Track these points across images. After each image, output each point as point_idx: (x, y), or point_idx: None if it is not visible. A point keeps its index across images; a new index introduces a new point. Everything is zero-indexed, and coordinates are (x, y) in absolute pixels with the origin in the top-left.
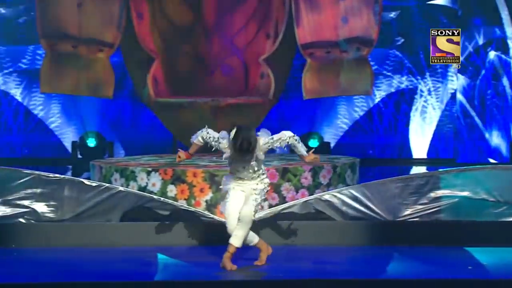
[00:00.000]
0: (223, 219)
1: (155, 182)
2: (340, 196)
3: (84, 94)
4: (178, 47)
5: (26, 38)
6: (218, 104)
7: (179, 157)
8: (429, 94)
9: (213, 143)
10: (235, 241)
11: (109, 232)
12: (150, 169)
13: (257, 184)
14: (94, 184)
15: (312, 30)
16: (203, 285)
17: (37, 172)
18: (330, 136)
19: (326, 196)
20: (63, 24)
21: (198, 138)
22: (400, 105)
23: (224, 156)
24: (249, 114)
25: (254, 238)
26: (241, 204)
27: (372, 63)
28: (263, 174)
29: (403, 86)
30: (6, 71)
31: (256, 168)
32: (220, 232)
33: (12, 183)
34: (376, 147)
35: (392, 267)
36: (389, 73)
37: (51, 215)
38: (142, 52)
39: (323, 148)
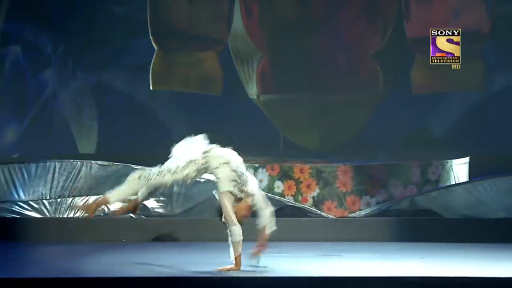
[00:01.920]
0: (330, 215)
1: (262, 178)
2: (449, 193)
3: (193, 91)
4: (286, 43)
5: (128, 34)
6: (326, 100)
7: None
8: None
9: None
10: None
11: (217, 228)
12: (257, 165)
13: None
14: (202, 180)
15: (422, 24)
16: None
17: (147, 169)
18: (439, 131)
19: (435, 193)
20: (173, 21)
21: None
22: None
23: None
24: (357, 111)
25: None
26: None
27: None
28: None
29: None
30: (110, 68)
31: None
32: (327, 228)
33: (123, 178)
34: (485, 143)
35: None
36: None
37: (161, 210)
38: (250, 48)
39: (431, 142)
